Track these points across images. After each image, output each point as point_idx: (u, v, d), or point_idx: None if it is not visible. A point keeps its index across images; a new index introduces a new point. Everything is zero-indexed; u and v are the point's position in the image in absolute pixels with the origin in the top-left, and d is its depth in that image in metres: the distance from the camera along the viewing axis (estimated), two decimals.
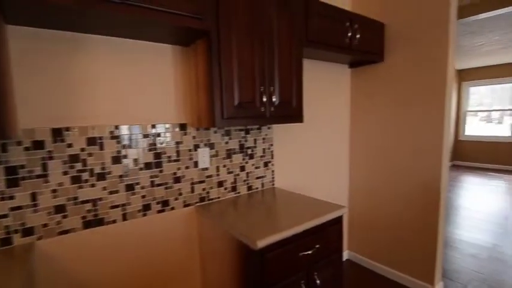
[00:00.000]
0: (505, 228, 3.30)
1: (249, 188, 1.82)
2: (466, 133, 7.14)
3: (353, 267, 2.48)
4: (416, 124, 2.02)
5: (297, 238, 1.27)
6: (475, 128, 7.12)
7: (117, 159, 1.32)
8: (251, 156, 1.81)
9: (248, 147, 1.79)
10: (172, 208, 1.52)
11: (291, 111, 1.56)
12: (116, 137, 1.31)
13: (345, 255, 2.59)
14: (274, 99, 1.46)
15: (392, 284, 2.21)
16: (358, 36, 1.84)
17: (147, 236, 1.44)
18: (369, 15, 2.19)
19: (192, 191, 1.58)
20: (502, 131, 6.62)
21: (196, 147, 1.57)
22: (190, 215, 1.59)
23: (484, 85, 6.74)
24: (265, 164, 1.89)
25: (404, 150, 2.11)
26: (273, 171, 1.94)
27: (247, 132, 1.78)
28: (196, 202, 1.61)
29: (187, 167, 1.55)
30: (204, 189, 1.63)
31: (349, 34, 1.79)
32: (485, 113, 6.94)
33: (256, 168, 1.85)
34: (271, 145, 1.91)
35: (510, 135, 6.44)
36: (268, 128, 1.88)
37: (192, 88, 1.46)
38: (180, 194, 1.54)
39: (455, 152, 7.30)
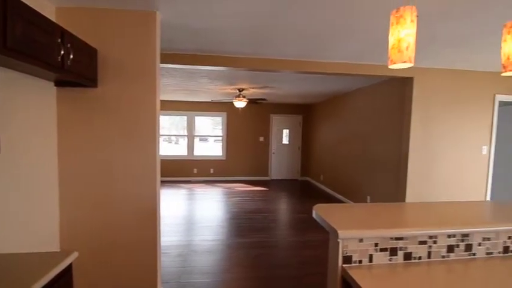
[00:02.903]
0: (192, 226, 4.38)
1: None
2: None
3: None
4: (133, 148, 2.17)
5: None
6: (161, 148, 8.95)
7: None
8: None
9: None
10: None
11: None
12: None
13: None
14: None
15: None
16: (71, 56, 1.68)
17: None
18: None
19: None
20: (179, 150, 8.94)
21: None
22: None
23: (167, 115, 8.52)
24: None
25: (122, 175, 2.17)
26: None
27: None
28: None
29: None
30: None
31: (62, 52, 1.59)
32: (167, 136, 9.26)
33: None
34: None
35: (186, 154, 8.63)
36: None
37: None
38: None
39: None
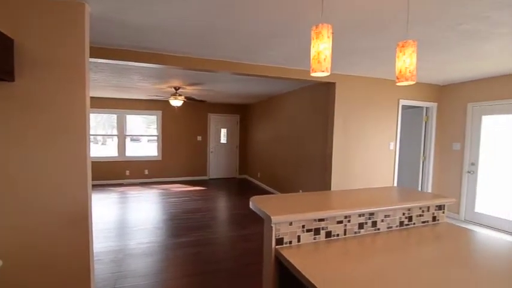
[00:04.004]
0: (126, 230, 4.15)
1: None
2: None
3: None
4: (59, 149, 2.00)
5: None
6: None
7: None
8: None
9: None
10: None
11: None
12: None
13: None
14: None
15: None
16: None
17: None
18: None
19: None
20: (107, 151, 8.36)
21: None
22: None
23: (94, 113, 7.77)
24: None
25: (46, 178, 1.99)
26: None
27: None
28: None
29: None
30: None
31: None
32: (93, 136, 8.47)
33: None
34: None
35: (117, 155, 8.02)
36: None
37: None
38: None
39: None
